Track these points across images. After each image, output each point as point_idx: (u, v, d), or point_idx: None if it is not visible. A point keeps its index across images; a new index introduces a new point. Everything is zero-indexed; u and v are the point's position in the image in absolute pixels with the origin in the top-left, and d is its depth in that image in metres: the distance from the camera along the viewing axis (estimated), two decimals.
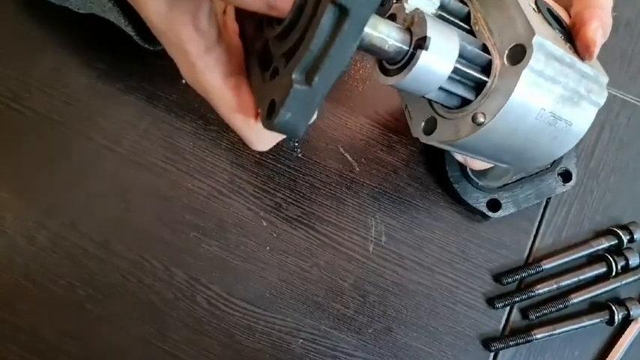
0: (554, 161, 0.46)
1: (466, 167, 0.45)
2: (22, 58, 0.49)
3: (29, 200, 0.46)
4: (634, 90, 0.51)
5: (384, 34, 0.27)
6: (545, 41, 0.28)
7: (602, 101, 0.32)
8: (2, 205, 0.46)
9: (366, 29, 0.27)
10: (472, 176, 0.45)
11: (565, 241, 0.47)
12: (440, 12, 0.31)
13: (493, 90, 0.29)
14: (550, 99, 0.29)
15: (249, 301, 0.45)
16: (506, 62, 0.29)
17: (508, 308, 0.45)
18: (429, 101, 0.33)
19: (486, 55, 0.29)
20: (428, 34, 0.27)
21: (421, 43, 0.27)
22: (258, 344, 0.44)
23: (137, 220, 0.46)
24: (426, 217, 0.47)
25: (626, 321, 0.45)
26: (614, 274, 0.45)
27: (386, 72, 0.30)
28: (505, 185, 0.45)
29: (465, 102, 0.30)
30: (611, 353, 0.44)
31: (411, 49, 0.28)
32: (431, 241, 0.46)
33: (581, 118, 0.31)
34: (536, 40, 0.27)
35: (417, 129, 0.34)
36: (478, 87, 0.30)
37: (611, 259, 0.45)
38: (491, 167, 0.45)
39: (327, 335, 0.44)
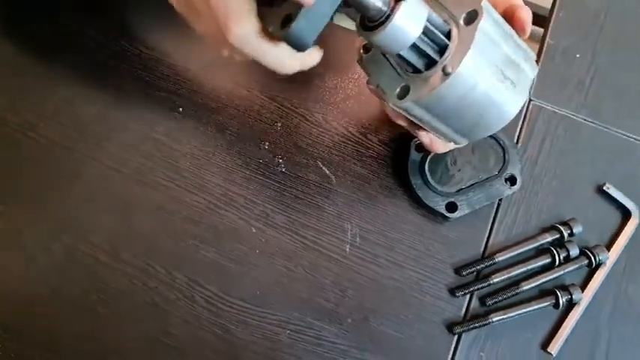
0: (502, 168, 0.53)
1: (427, 176, 0.52)
2: (37, 92, 0.56)
3: (45, 217, 0.52)
4: (570, 106, 0.59)
5: None
6: (491, 7, 0.36)
7: (534, 72, 0.40)
8: (21, 221, 0.52)
9: None
10: (432, 183, 0.52)
11: (515, 237, 0.54)
12: None
13: (455, 49, 0.36)
14: (499, 57, 0.37)
15: (243, 299, 0.51)
16: (462, 24, 0.36)
17: (468, 296, 0.52)
18: (398, 73, 0.40)
19: (447, 24, 0.37)
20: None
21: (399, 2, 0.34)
22: (251, 336, 0.50)
23: (142, 232, 0.52)
24: (395, 221, 0.54)
25: (570, 304, 0.52)
26: (557, 263, 0.52)
27: (367, 29, 0.36)
28: (460, 190, 0.53)
29: (430, 65, 0.37)
30: (558, 333, 0.51)
31: (389, 10, 0.34)
32: (400, 241, 0.53)
33: (522, 82, 0.39)
34: (484, 3, 0.35)
35: (392, 97, 0.39)
36: (442, 51, 0.37)
37: (554, 250, 0.52)
38: (450, 175, 0.53)
39: (312, 326, 0.50)
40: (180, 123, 0.55)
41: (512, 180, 0.53)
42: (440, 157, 0.53)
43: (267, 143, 0.55)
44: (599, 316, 0.52)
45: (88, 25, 0.55)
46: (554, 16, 0.63)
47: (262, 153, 0.55)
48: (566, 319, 0.52)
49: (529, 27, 0.40)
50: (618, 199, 0.55)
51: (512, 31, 0.39)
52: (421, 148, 0.53)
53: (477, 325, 0.51)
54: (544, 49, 0.61)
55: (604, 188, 0.55)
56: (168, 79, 0.56)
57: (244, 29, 0.36)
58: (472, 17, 0.36)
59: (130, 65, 0.56)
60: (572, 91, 0.60)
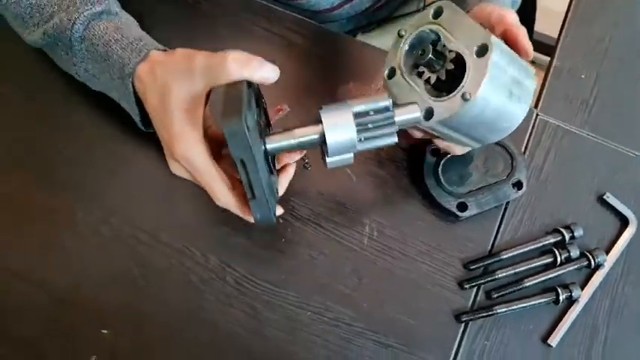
0: (510, 173, 0.58)
1: (440, 178, 0.58)
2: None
3: (98, 202, 0.58)
4: (574, 121, 0.64)
5: (297, 139, 0.44)
6: (499, 40, 0.43)
7: (534, 86, 0.47)
8: (77, 206, 0.58)
9: (284, 143, 0.44)
10: (445, 184, 0.57)
11: (520, 237, 0.59)
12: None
13: (471, 78, 0.42)
14: (508, 80, 0.43)
15: (268, 281, 0.56)
16: (476, 57, 0.43)
17: (475, 289, 0.57)
18: (420, 96, 0.46)
19: (386, 101, 0.44)
20: (323, 121, 0.43)
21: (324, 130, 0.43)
22: (275, 315, 0.55)
23: (180, 217, 0.58)
24: (409, 218, 0.59)
25: (570, 301, 0.56)
26: (559, 263, 0.57)
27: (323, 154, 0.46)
28: (470, 191, 0.58)
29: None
30: (558, 327, 0.55)
31: (320, 137, 0.43)
32: (413, 236, 0.58)
33: (526, 95, 0.46)
34: (493, 38, 0.42)
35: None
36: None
37: (557, 251, 0.57)
38: (462, 178, 0.58)
39: (330, 309, 0.55)
40: None
41: (518, 185, 0.58)
42: (452, 161, 0.59)
43: None
44: (597, 313, 0.56)
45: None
46: (561, 40, 0.69)
47: None
48: (566, 315, 0.56)
49: (531, 51, 0.47)
50: (617, 207, 0.60)
51: (516, 56, 0.46)
52: (436, 152, 0.59)
53: (482, 315, 0.55)
54: (551, 69, 0.67)
55: (604, 197, 0.60)
56: None
57: (188, 149, 0.44)
58: (483, 50, 0.43)
59: None
60: (577, 109, 0.65)
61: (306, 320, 0.55)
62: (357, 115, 0.43)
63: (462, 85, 0.43)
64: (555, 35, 0.71)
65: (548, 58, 0.70)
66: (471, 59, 0.43)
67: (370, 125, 0.44)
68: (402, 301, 0.56)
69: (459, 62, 0.44)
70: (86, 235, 0.57)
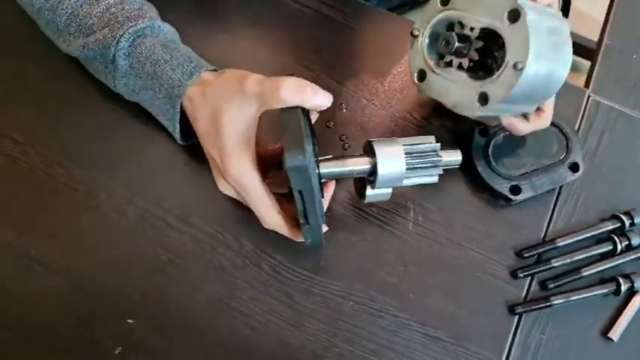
0: (565, 155, 0.54)
1: (491, 159, 0.54)
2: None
3: (122, 181, 0.54)
4: (628, 103, 0.60)
5: (350, 167, 0.45)
6: (525, 1, 0.41)
7: (567, 26, 0.44)
8: (100, 185, 0.54)
9: (336, 169, 0.45)
10: (496, 166, 0.54)
11: (575, 224, 0.55)
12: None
13: (511, 47, 0.40)
14: (546, 31, 0.41)
15: (307, 268, 0.52)
16: (508, 23, 0.41)
17: (529, 279, 0.53)
18: (465, 84, 0.45)
19: (433, 144, 0.47)
20: (376, 152, 0.44)
21: (375, 161, 0.45)
22: (314, 305, 0.51)
23: (212, 199, 0.53)
24: (456, 202, 0.55)
25: (631, 292, 0.52)
26: (618, 251, 0.53)
27: (370, 183, 0.47)
28: (524, 174, 0.54)
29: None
30: (619, 319, 0.51)
31: (371, 167, 0.45)
32: (460, 221, 0.54)
33: (564, 39, 0.44)
34: (520, 1, 0.40)
35: (473, 109, 0.44)
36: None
37: (616, 238, 0.53)
38: (514, 160, 0.54)
39: (374, 299, 0.51)
40: None
41: (574, 167, 0.54)
42: (504, 142, 0.55)
43: (332, 123, 0.57)
44: None
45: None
46: (610, 18, 0.65)
47: (328, 132, 0.57)
48: (628, 306, 0.52)
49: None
50: None
51: (541, 6, 0.43)
52: (485, 132, 0.55)
53: (539, 306, 0.51)
54: (602, 48, 0.63)
55: None
56: None
57: (242, 175, 0.44)
58: (515, 15, 0.40)
59: None
60: (629, 90, 0.61)
61: (349, 311, 0.51)
62: (405, 153, 0.45)
63: (505, 58, 0.41)
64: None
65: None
66: (505, 28, 0.41)
67: (417, 165, 0.46)
68: (451, 291, 0.52)
69: (486, 37, 0.43)
70: (110, 217, 0.53)
